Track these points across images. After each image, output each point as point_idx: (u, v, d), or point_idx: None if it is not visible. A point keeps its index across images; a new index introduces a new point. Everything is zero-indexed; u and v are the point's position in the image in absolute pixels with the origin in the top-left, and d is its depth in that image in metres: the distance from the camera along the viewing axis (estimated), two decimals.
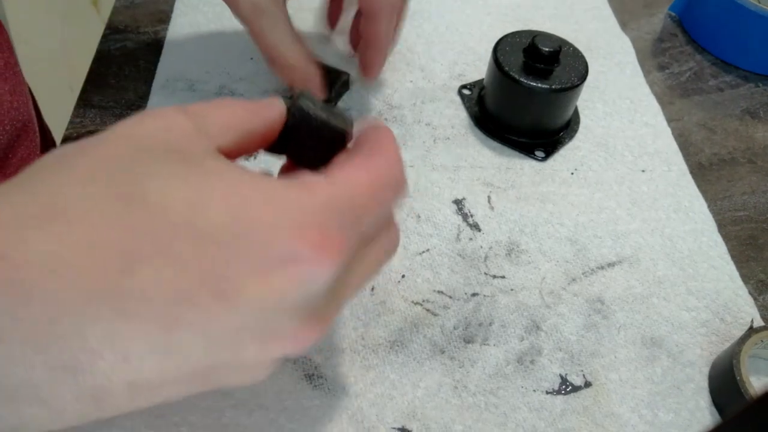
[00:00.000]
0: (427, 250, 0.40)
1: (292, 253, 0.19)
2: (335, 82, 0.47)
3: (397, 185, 0.23)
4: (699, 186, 0.46)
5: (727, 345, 0.37)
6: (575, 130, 0.48)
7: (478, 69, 0.52)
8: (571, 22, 0.58)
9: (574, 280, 0.39)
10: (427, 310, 0.37)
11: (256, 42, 0.39)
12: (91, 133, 0.45)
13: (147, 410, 0.32)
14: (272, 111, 0.24)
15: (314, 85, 0.41)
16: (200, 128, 0.20)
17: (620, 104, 0.51)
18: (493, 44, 0.46)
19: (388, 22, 0.42)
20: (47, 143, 0.56)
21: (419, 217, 0.41)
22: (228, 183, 0.19)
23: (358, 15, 0.48)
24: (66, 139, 0.44)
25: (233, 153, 0.22)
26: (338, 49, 0.51)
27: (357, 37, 0.47)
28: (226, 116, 0.22)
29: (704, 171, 0.48)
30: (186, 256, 0.18)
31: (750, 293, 0.40)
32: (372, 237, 0.23)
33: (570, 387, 0.35)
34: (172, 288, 0.17)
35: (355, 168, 0.22)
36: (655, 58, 0.57)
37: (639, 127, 0.50)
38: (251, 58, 0.50)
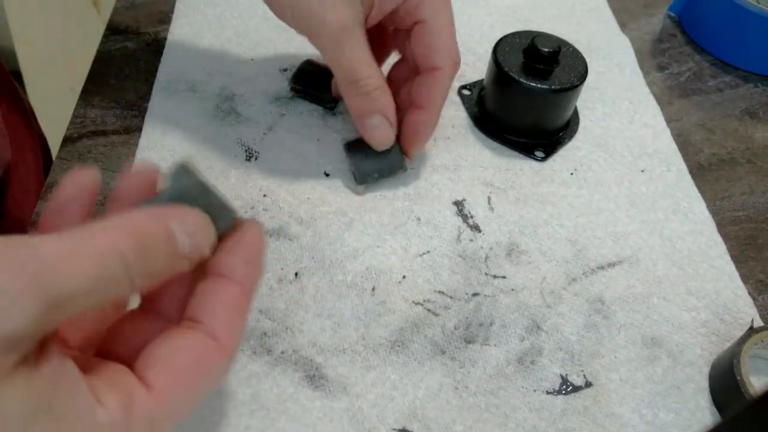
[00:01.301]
0: (428, 251, 0.40)
1: None
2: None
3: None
4: (698, 186, 0.46)
5: (727, 345, 0.37)
6: (575, 131, 0.49)
7: (478, 69, 0.52)
8: (570, 22, 0.58)
9: (574, 280, 0.40)
10: (428, 310, 0.37)
11: (334, 64, 0.36)
12: (92, 133, 0.45)
13: None
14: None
15: (389, 113, 0.38)
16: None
17: (619, 105, 0.51)
18: (492, 45, 0.46)
19: (450, 81, 0.39)
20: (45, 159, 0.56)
21: (419, 219, 0.41)
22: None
23: (400, 71, 0.43)
24: (67, 140, 0.44)
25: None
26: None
27: (398, 102, 0.40)
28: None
29: (703, 171, 0.48)
30: None
31: (749, 293, 0.40)
32: None
33: (570, 387, 0.35)
34: None
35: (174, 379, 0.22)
36: (654, 58, 0.57)
37: (638, 127, 0.50)
38: (251, 59, 0.50)
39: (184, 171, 0.24)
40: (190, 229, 0.22)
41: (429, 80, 0.38)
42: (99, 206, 0.40)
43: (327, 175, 0.43)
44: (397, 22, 0.39)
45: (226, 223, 0.25)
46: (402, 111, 0.40)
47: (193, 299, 0.24)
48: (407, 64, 0.41)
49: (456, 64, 0.38)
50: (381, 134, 0.38)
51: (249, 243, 0.25)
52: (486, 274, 0.39)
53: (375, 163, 0.41)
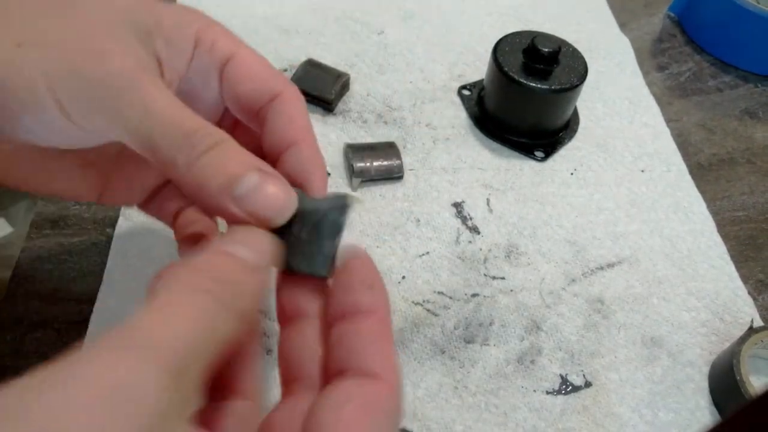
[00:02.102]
0: (427, 252, 0.40)
1: None
2: (335, 83, 0.47)
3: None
4: (698, 186, 0.46)
5: (726, 345, 0.37)
6: (575, 131, 0.49)
7: (478, 69, 0.52)
8: (570, 22, 0.58)
9: (573, 280, 0.40)
10: (428, 310, 0.37)
11: (145, 128, 0.21)
12: None
13: None
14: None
15: (263, 164, 0.23)
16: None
17: (619, 104, 0.51)
18: (492, 45, 0.46)
19: (303, 105, 0.27)
20: None
21: (419, 221, 0.41)
22: None
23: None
24: None
25: None
26: None
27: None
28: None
29: (703, 171, 0.48)
30: None
31: (749, 293, 0.40)
32: None
33: (570, 387, 0.35)
34: None
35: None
36: (654, 58, 0.57)
37: (638, 127, 0.50)
38: None
39: (343, 204, 0.23)
40: (254, 248, 0.21)
41: (281, 108, 0.26)
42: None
43: (328, 174, 0.43)
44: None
45: (315, 269, 0.23)
46: None
47: (332, 351, 0.21)
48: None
49: (295, 89, 0.27)
50: (273, 194, 0.22)
51: (362, 268, 0.22)
52: (485, 275, 0.39)
53: (374, 160, 0.42)
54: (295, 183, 0.24)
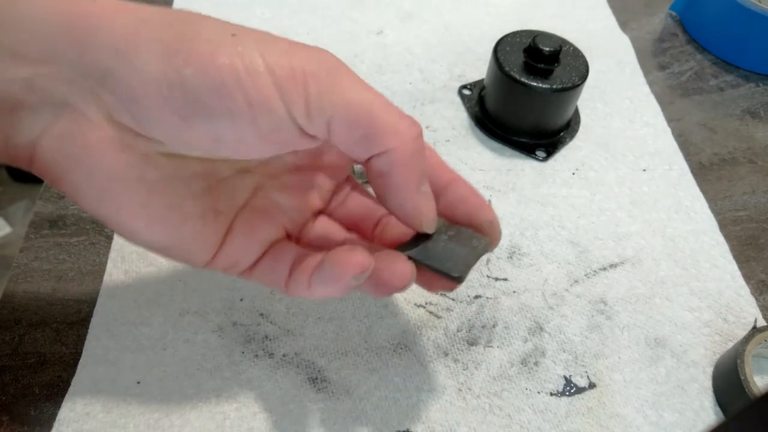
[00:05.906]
0: None
1: None
2: None
3: None
4: (699, 186, 0.46)
5: (730, 345, 0.37)
6: (576, 130, 0.48)
7: (478, 69, 0.52)
8: (571, 21, 0.58)
9: (576, 281, 0.39)
10: (431, 312, 0.37)
11: (366, 113, 0.23)
12: None
13: (150, 412, 0.31)
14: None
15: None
16: None
17: (620, 104, 0.51)
18: (492, 44, 0.46)
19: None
20: None
21: None
22: None
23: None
24: None
25: None
26: None
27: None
28: None
29: (705, 171, 0.48)
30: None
31: (751, 293, 0.40)
32: None
33: (574, 388, 0.35)
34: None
35: None
36: (655, 57, 0.57)
37: (639, 126, 0.50)
38: None
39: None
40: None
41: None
42: None
43: None
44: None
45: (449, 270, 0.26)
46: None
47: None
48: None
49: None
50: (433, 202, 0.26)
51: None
52: (487, 276, 0.39)
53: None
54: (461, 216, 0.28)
